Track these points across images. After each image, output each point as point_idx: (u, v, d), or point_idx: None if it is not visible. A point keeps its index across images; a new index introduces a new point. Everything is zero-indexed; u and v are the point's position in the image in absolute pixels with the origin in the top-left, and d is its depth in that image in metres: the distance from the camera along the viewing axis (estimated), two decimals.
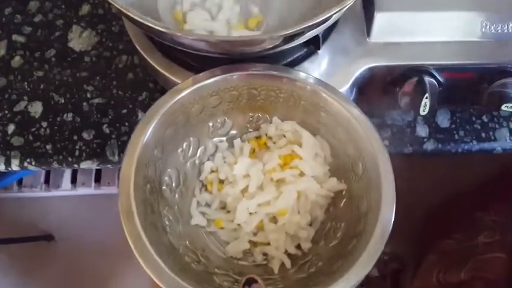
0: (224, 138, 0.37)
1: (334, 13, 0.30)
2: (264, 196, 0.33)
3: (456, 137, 0.42)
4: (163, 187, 0.34)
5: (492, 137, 0.42)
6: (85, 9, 0.45)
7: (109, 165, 0.42)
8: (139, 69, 0.44)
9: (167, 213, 0.33)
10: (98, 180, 0.81)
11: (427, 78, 0.36)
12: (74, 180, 0.81)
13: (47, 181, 0.80)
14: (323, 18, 0.30)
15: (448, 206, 0.48)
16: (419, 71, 0.36)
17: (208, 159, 0.36)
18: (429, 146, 0.41)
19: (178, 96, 0.33)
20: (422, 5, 0.37)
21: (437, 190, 0.48)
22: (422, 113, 0.36)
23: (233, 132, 0.37)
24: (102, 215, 0.82)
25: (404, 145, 0.41)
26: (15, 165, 0.41)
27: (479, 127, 0.42)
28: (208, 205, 0.35)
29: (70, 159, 0.41)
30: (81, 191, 0.80)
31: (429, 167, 0.45)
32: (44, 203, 0.84)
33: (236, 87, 0.34)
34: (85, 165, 0.41)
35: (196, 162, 0.36)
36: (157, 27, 0.30)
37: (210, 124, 0.36)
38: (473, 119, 0.43)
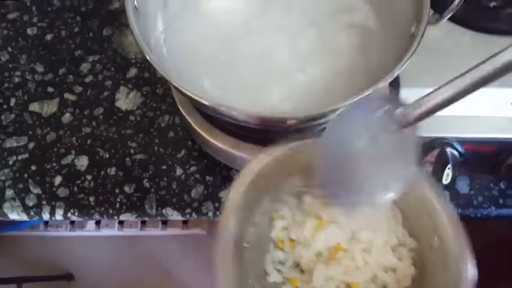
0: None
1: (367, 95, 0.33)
2: (340, 267, 0.33)
3: (475, 202, 0.44)
4: (245, 244, 0.34)
5: (510, 204, 0.44)
6: (132, 72, 0.50)
7: (146, 218, 0.44)
8: (180, 129, 0.47)
9: (249, 270, 0.33)
10: (121, 222, 0.83)
11: (449, 150, 0.39)
12: (98, 221, 0.83)
13: (72, 221, 0.83)
14: (354, 100, 0.33)
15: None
16: (442, 143, 0.39)
17: (279, 217, 0.36)
18: None
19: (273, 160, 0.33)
20: (444, 82, 0.40)
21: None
22: (444, 182, 0.39)
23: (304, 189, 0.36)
24: (124, 256, 0.83)
25: None
26: (59, 215, 0.44)
27: (497, 193, 0.45)
28: (281, 263, 0.35)
29: (111, 211, 0.44)
30: (104, 232, 0.83)
31: None
32: (68, 243, 0.86)
33: None
34: (124, 217, 0.44)
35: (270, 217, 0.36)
36: (202, 101, 0.32)
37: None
38: (491, 185, 0.45)
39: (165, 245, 0.84)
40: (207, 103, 0.33)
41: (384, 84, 0.32)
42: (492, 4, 0.44)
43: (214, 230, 0.34)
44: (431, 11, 0.39)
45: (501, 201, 0.44)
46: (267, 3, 0.42)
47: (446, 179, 0.38)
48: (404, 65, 0.33)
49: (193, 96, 0.33)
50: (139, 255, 0.82)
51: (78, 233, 0.83)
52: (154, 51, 0.36)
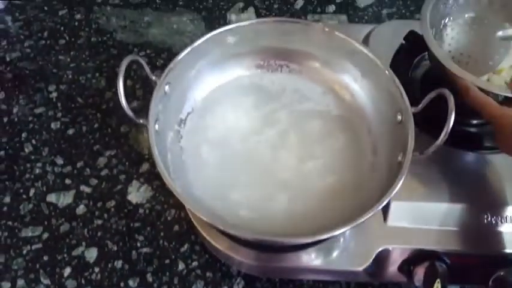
0: None
1: (358, 223, 0.36)
2: None
3: None
4: None
5: None
6: (145, 167, 0.54)
7: None
8: (185, 222, 0.50)
9: None
10: None
11: (438, 263, 0.41)
12: None
13: None
14: (352, 225, 0.36)
15: None
16: (430, 255, 0.42)
17: None
18: None
19: None
20: (432, 197, 0.43)
21: None
22: None
23: None
24: None
25: None
26: None
27: None
28: None
29: None
30: None
31: None
32: None
33: None
34: None
35: None
36: (215, 224, 0.36)
37: None
38: None
39: None
40: (219, 226, 0.36)
41: (375, 211, 0.36)
42: (474, 122, 0.48)
43: None
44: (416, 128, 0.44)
45: None
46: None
47: None
48: (394, 192, 0.37)
49: (211, 222, 0.36)
50: None
51: None
52: (171, 164, 0.41)
